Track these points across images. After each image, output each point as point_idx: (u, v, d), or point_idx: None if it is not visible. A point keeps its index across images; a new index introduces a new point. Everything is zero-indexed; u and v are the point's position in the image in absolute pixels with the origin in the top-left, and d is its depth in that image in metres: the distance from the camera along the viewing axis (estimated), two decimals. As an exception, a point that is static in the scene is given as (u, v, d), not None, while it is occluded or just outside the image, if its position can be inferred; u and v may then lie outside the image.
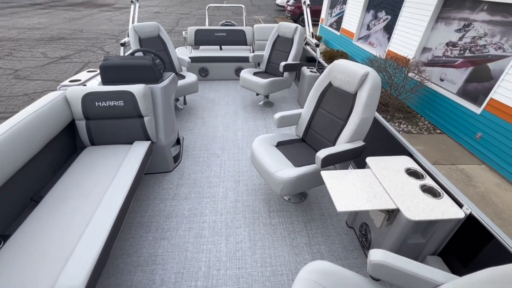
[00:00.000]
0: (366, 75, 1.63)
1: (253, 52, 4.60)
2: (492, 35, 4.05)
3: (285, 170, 1.70)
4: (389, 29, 6.45)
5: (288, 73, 3.32)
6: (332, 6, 9.80)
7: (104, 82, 2.05)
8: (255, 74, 3.43)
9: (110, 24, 11.50)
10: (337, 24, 9.28)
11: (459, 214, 1.24)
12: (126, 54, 3.23)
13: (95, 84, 2.27)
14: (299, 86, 3.73)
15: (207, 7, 5.62)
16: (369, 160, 1.59)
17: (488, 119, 3.97)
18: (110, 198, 1.49)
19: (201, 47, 4.72)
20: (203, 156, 2.60)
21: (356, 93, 1.70)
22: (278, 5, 17.80)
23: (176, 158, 2.48)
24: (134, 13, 3.63)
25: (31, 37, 8.95)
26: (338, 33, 9.08)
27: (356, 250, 1.74)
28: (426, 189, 1.38)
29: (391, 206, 1.28)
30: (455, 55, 4.70)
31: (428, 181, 1.44)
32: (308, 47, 4.07)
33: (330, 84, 1.89)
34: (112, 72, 2.01)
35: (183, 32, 5.18)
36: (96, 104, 1.89)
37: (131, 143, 2.04)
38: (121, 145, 2.01)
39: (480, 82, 4.25)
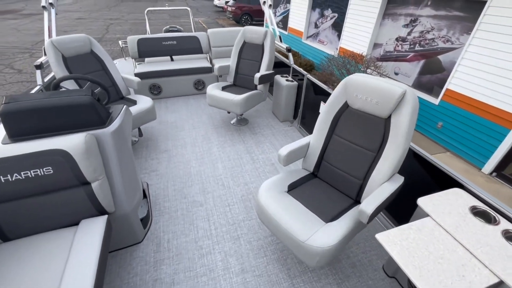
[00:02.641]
0: (403, 95, 1.28)
1: (211, 61, 4.02)
2: (439, 29, 4.25)
3: (319, 233, 1.25)
4: (337, 27, 6.52)
5: (263, 85, 2.87)
6: (275, 6, 9.67)
7: (12, 136, 1.28)
8: (224, 89, 2.89)
9: (18, 35, 9.42)
10: (283, 23, 9.18)
11: None
12: (45, 81, 2.36)
13: None
14: (273, 97, 3.32)
15: (146, 11, 4.78)
16: (422, 203, 1.24)
17: (446, 108, 4.16)
18: None
19: (146, 59, 3.93)
20: (181, 207, 1.98)
21: (389, 117, 1.34)
22: (216, 6, 17.20)
23: (146, 221, 1.80)
24: (50, 24, 2.70)
25: None
26: (286, 33, 8.99)
27: (410, 310, 1.40)
28: (510, 237, 1.08)
29: (493, 280, 0.94)
30: (406, 50, 4.88)
31: (505, 223, 1.15)
32: (275, 52, 3.68)
33: (346, 105, 1.51)
34: (24, 120, 1.26)
35: (120, 42, 4.30)
36: (2, 179, 1.15)
37: (76, 223, 1.34)
38: (58, 230, 1.30)
39: (433, 74, 4.45)
